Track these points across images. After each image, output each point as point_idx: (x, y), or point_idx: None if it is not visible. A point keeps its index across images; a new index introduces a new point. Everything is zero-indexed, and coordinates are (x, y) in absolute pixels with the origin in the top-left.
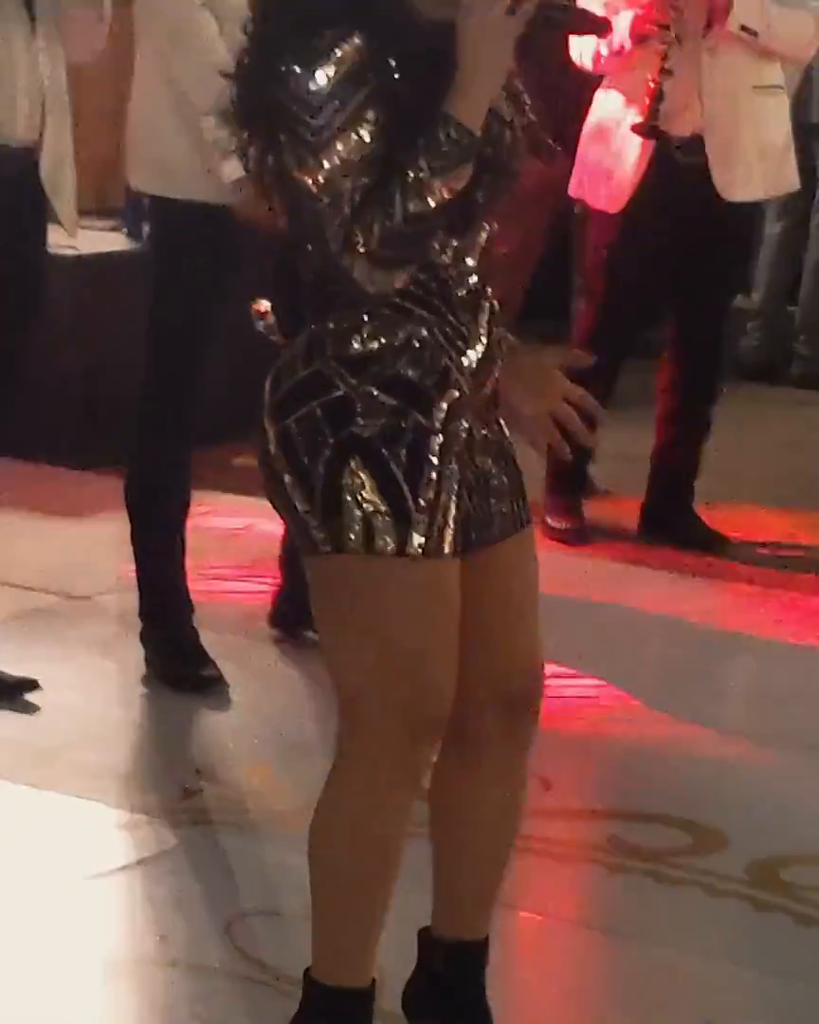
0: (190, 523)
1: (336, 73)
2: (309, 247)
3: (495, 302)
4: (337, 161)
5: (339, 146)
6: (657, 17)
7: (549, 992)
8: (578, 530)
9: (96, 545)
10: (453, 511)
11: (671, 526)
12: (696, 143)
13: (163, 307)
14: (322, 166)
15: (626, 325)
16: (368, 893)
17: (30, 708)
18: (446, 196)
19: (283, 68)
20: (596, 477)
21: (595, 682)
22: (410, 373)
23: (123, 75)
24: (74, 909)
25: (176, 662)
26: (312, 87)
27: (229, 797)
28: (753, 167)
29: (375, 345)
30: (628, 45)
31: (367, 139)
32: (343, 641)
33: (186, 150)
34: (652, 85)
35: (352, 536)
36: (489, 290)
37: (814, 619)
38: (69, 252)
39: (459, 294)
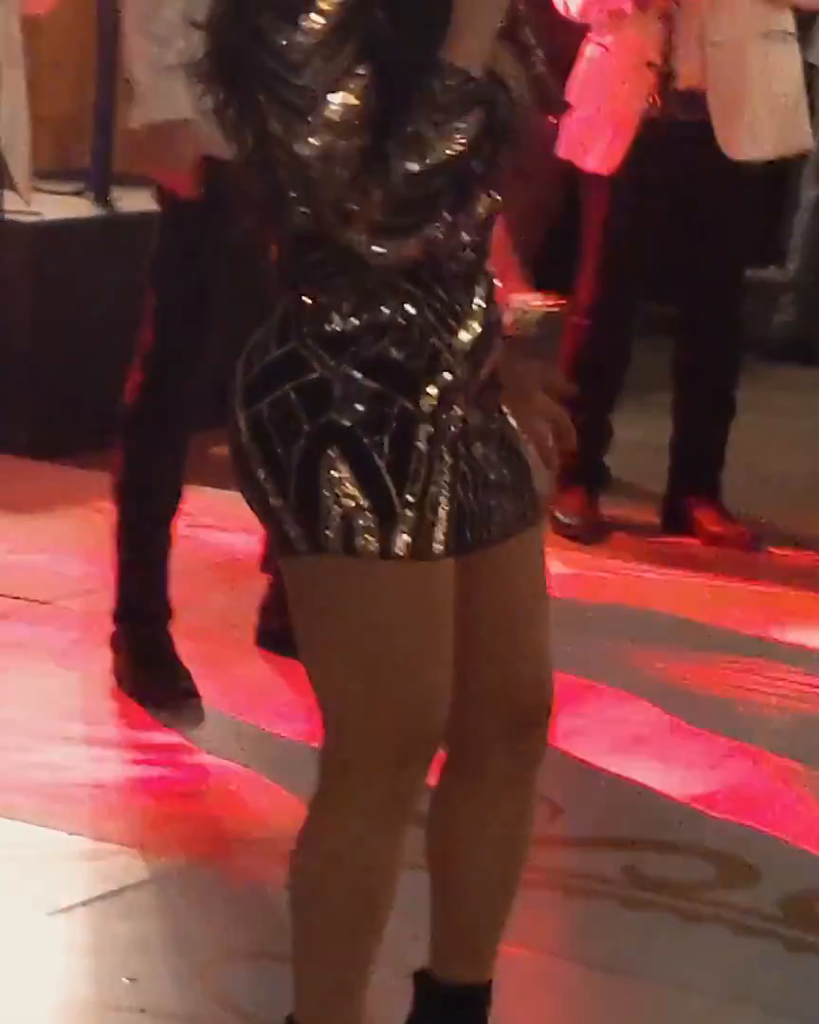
0: None
1: (320, 25)
2: (290, 215)
3: (494, 278)
4: (325, 124)
5: (327, 107)
6: None
7: None
8: (592, 525)
9: (56, 544)
10: (444, 506)
11: (695, 521)
12: (697, 97)
13: (170, 263)
14: (309, 130)
15: (629, 299)
16: (356, 932)
17: None
18: (448, 154)
19: (260, 21)
20: (612, 467)
21: (609, 694)
22: (395, 354)
23: (84, 19)
24: (31, 948)
25: (148, 673)
26: (294, 42)
27: (205, 825)
28: (762, 123)
29: (356, 322)
30: (628, 9)
31: (356, 99)
32: (323, 651)
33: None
34: (657, 64)
35: (330, 534)
36: (488, 265)
37: None
38: (27, 219)
39: (452, 268)
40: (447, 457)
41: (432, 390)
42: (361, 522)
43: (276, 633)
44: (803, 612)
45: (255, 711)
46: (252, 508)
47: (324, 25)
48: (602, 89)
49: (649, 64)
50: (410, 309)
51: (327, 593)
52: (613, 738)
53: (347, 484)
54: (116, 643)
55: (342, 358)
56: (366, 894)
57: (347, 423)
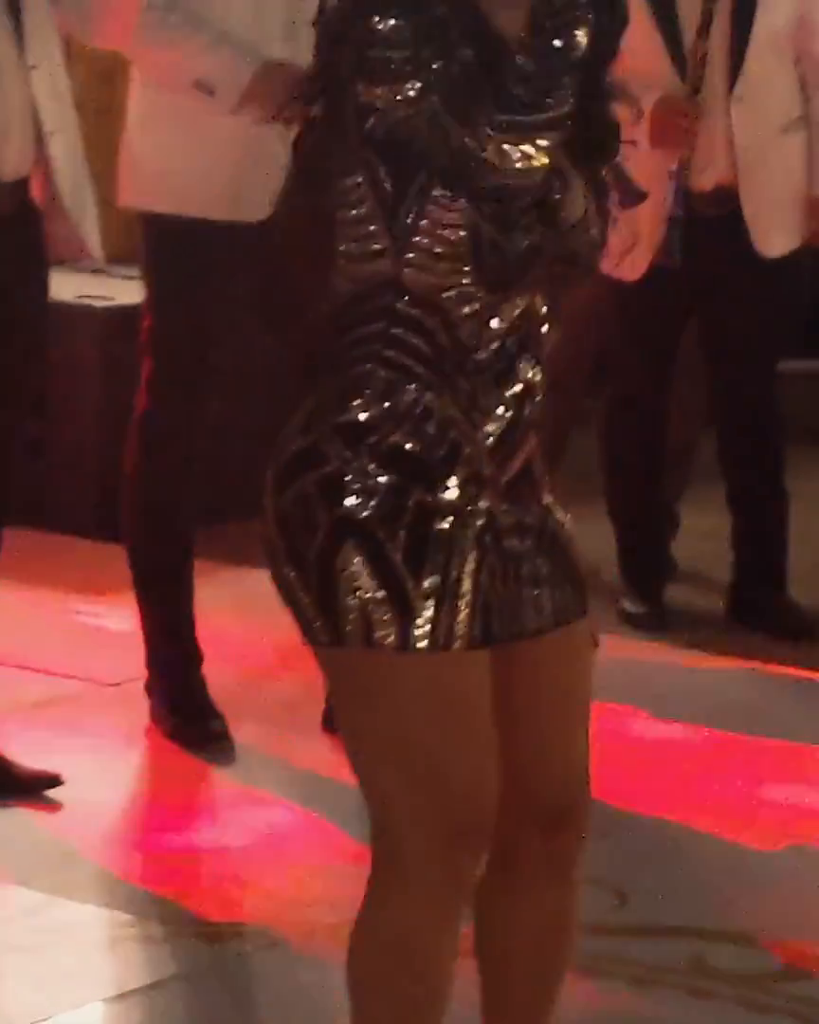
0: (228, 602)
1: (415, 26)
2: (334, 276)
3: (535, 373)
4: (433, 79)
5: (429, 71)
6: (677, 135)
7: None
8: (657, 614)
9: (124, 626)
10: (466, 598)
11: (761, 612)
12: (722, 193)
13: (170, 332)
14: (418, 85)
15: (659, 392)
16: (416, 1017)
17: (51, 805)
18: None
19: (358, 30)
20: (678, 557)
21: (674, 782)
22: (411, 445)
23: None
24: None
25: (179, 714)
26: (390, 28)
27: (267, 910)
28: (788, 214)
29: (374, 411)
30: (642, 145)
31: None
32: (357, 741)
33: (185, 157)
34: (666, 212)
35: (350, 628)
36: (523, 361)
37: None
38: (98, 303)
39: (477, 357)
40: (471, 549)
41: (452, 482)
42: (378, 615)
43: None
44: None
45: (322, 794)
46: (281, 599)
47: (416, 26)
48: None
49: (671, 173)
50: (430, 398)
51: (353, 686)
52: (680, 826)
53: (364, 577)
54: (149, 688)
55: (358, 449)
56: (424, 980)
57: (362, 515)
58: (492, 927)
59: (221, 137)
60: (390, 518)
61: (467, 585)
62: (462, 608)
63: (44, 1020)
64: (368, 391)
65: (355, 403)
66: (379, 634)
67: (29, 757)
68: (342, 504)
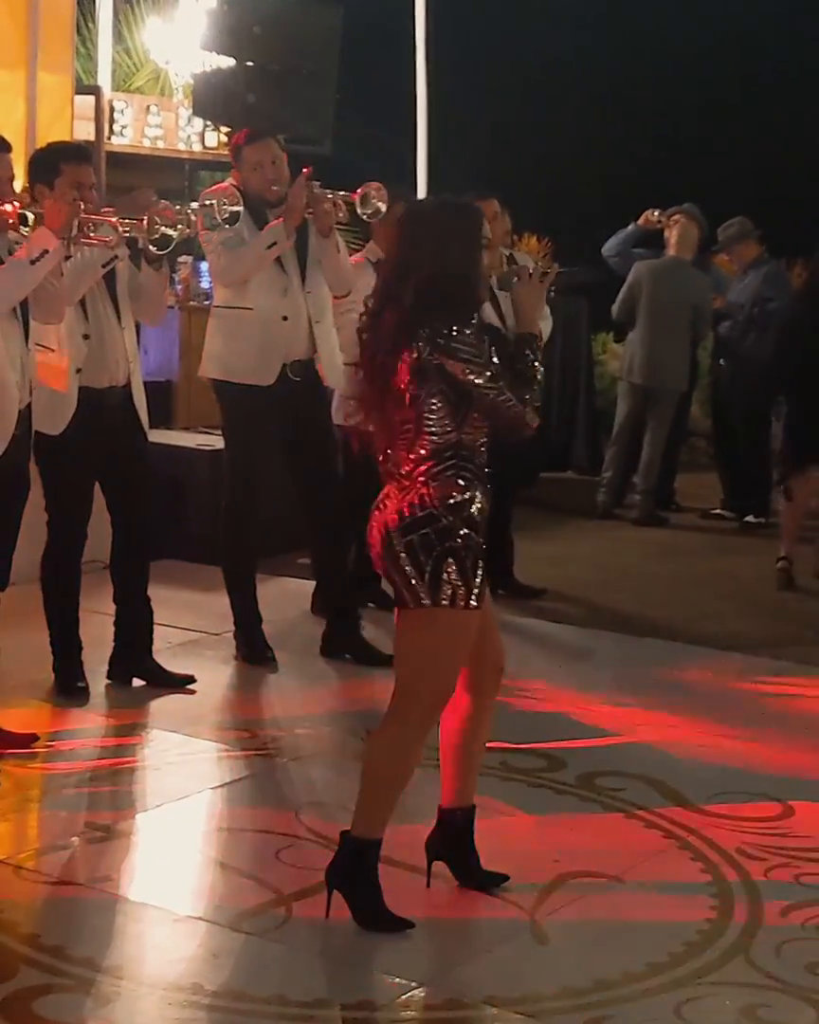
0: (271, 594)
1: (474, 331)
2: (430, 440)
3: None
4: (494, 372)
5: (490, 365)
6: None
7: (487, 843)
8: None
9: (214, 604)
10: (482, 585)
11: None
12: None
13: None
14: (490, 373)
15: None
16: (395, 788)
17: (186, 691)
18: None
19: (450, 331)
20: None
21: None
22: (476, 513)
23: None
24: (203, 811)
25: (250, 648)
26: (468, 337)
27: (301, 740)
28: None
29: (461, 498)
30: None
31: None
32: (420, 658)
33: (231, 348)
34: None
35: (445, 600)
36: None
37: None
38: (207, 448)
39: (485, 471)
40: (481, 563)
41: (481, 531)
42: (460, 593)
43: (327, 645)
44: None
45: (321, 681)
46: (394, 582)
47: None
48: None
49: None
50: (478, 492)
51: (434, 627)
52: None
53: (454, 576)
54: (236, 636)
55: (455, 517)
56: (405, 769)
57: (456, 547)
58: (467, 722)
59: (250, 338)
60: (467, 548)
61: (481, 578)
62: (483, 590)
63: (181, 798)
64: (455, 489)
65: (454, 492)
66: (460, 602)
67: (175, 666)
68: (449, 541)
